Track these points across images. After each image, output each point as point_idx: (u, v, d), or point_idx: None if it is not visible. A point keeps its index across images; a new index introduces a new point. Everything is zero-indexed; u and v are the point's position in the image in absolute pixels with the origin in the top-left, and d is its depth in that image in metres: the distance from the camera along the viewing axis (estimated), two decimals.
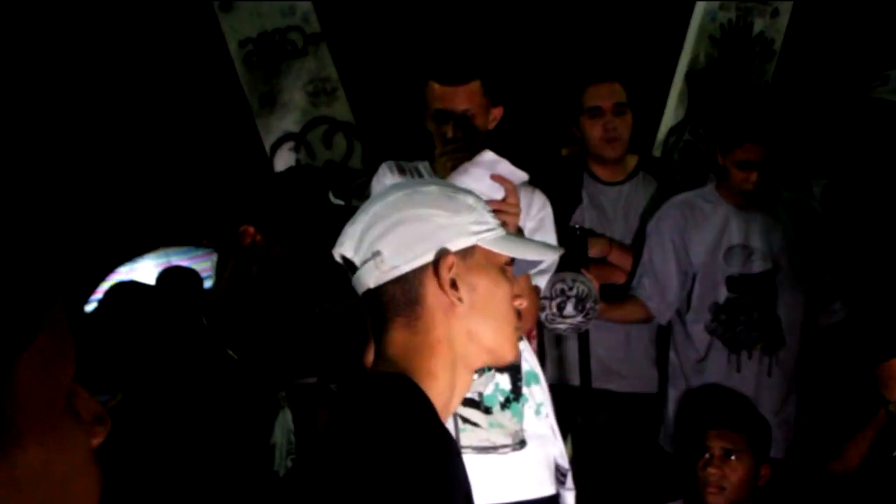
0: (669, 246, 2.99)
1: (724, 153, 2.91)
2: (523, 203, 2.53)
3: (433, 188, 1.29)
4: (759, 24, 4.13)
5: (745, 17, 4.08)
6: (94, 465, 0.62)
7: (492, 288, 1.26)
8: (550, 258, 1.36)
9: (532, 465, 2.35)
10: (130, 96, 4.36)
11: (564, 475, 2.41)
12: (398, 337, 1.24)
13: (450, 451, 1.16)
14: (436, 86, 2.46)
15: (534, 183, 2.51)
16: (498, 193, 2.24)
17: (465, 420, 2.27)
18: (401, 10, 4.12)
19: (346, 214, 1.92)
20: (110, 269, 5.45)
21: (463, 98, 2.43)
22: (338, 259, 1.32)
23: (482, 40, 3.51)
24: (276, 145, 3.89)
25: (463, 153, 2.37)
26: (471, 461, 2.21)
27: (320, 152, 3.89)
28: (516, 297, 1.31)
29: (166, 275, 3.88)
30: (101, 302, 3.13)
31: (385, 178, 2.56)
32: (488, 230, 1.28)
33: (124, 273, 5.54)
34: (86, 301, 4.02)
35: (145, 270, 4.53)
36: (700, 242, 2.98)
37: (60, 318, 0.59)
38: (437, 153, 2.46)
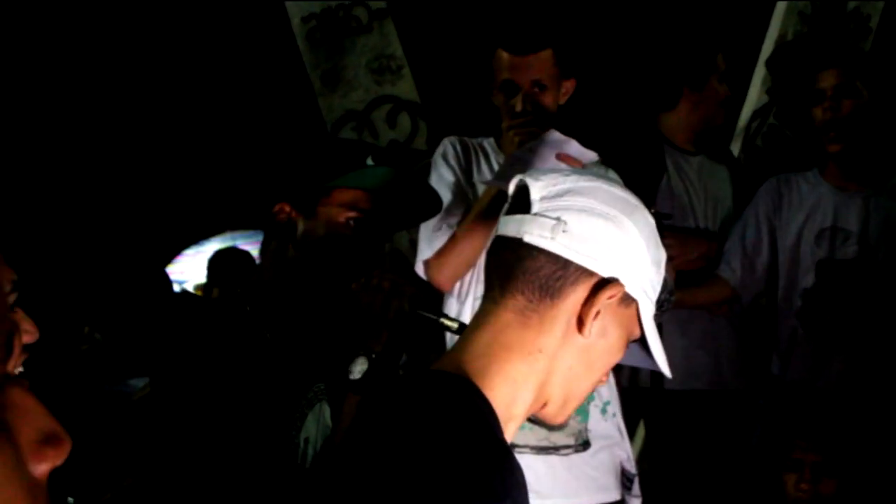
0: (765, 223, 2.82)
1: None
2: None
3: (653, 222, 1.14)
4: None
5: None
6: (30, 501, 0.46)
7: (613, 347, 1.12)
8: (668, 375, 1.19)
9: (596, 469, 2.19)
10: (195, 75, 4.33)
11: (631, 480, 2.24)
12: (503, 318, 1.08)
13: (511, 470, 0.99)
14: (504, 55, 2.31)
15: (613, 154, 2.35)
16: None
17: None
18: None
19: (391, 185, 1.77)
20: (177, 251, 5.48)
21: (534, 68, 2.28)
22: (512, 184, 1.14)
23: (555, 8, 3.33)
24: (339, 124, 3.77)
25: (532, 128, 2.23)
26: (528, 462, 2.07)
27: (384, 132, 3.76)
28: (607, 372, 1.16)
29: (218, 257, 3.82)
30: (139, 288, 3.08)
31: (448, 154, 2.44)
32: (652, 302, 1.12)
33: (191, 255, 5.58)
34: (154, 281, 4.00)
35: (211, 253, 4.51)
36: (793, 222, 2.79)
37: None
38: (504, 126, 2.31)
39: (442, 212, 2.32)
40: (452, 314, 2.41)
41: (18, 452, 0.47)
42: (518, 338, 1.07)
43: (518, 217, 1.10)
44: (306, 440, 1.67)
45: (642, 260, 1.09)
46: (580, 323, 1.07)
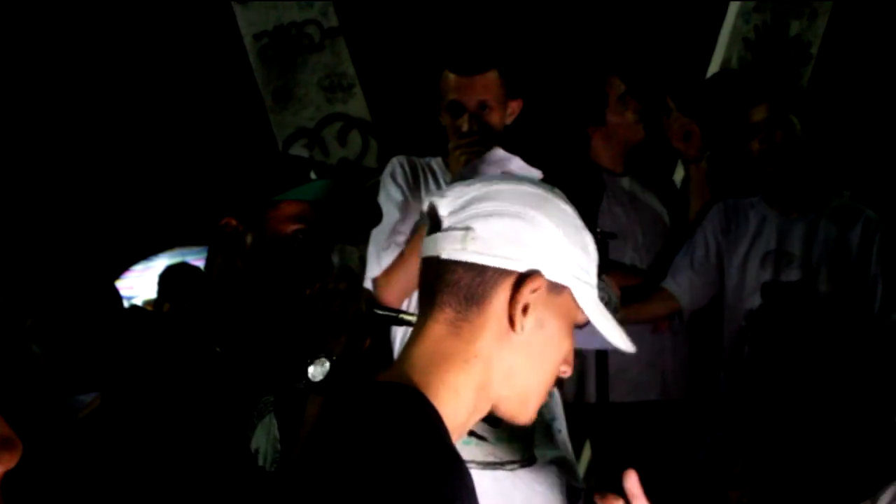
0: (713, 243, 2.92)
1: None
2: None
3: (569, 209, 1.14)
4: (795, 27, 3.97)
5: (780, 18, 3.92)
6: None
7: (556, 337, 1.11)
8: (629, 350, 1.19)
9: (542, 484, 2.21)
10: (144, 91, 4.30)
11: (577, 496, 2.27)
12: (436, 331, 1.09)
13: (461, 475, 1.01)
14: (451, 76, 2.34)
15: (556, 178, 2.38)
16: None
17: (470, 433, 2.13)
18: (420, 6, 4.01)
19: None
20: (125, 267, 5.42)
21: (479, 89, 2.32)
22: (424, 205, 1.15)
23: (501, 30, 3.39)
24: (290, 142, 3.78)
25: (478, 147, 2.25)
26: (475, 478, 2.09)
27: (334, 150, 3.77)
28: (564, 361, 1.14)
29: (169, 273, 3.79)
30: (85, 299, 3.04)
31: (396, 173, 2.46)
32: (588, 284, 1.12)
33: (139, 271, 5.50)
34: (100, 297, 3.95)
35: (160, 269, 4.46)
36: (739, 245, 2.90)
37: None
38: (450, 146, 2.34)
39: (390, 230, 2.35)
40: (400, 334, 2.42)
41: None
42: (453, 347, 1.08)
43: (432, 237, 1.12)
44: (256, 451, 1.68)
45: (562, 247, 1.10)
46: (511, 321, 1.07)
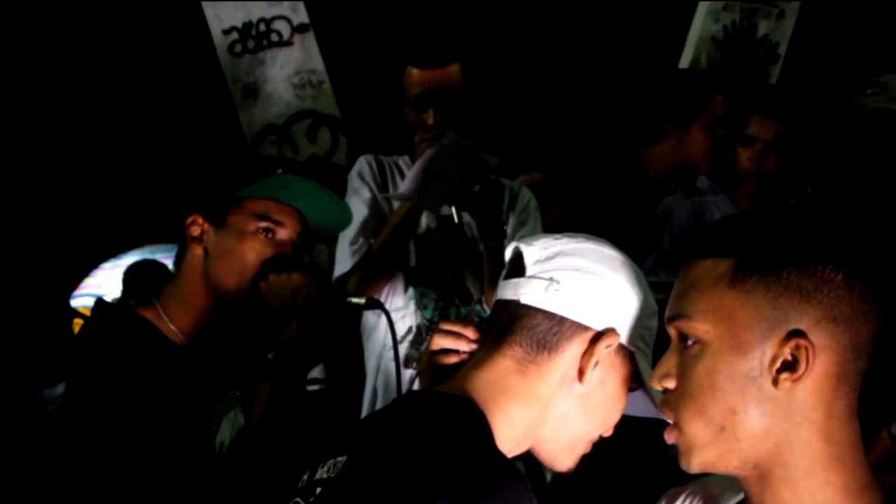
0: (679, 240, 2.88)
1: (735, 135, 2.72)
2: (507, 195, 2.42)
3: (642, 275, 1.21)
4: (763, 27, 4.00)
5: (749, 18, 3.95)
6: None
7: (614, 396, 1.18)
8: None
9: None
10: (112, 88, 4.26)
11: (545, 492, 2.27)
12: (503, 365, 1.14)
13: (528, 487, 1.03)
14: (414, 71, 2.34)
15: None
16: (464, 175, 2.15)
17: None
18: (390, 2, 3.99)
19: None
20: (94, 264, 5.36)
21: (442, 82, 2.30)
22: (509, 250, 1.21)
23: (463, 24, 3.38)
24: (259, 138, 3.75)
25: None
26: None
27: (304, 146, 3.76)
28: (611, 423, 1.21)
29: (134, 270, 3.76)
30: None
31: (364, 171, 2.45)
32: (647, 354, 1.18)
33: (108, 269, 5.45)
34: (69, 295, 3.91)
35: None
36: None
37: None
38: (416, 140, 2.33)
39: (359, 226, 2.34)
40: (368, 327, 2.43)
41: None
42: (517, 384, 1.13)
43: (514, 281, 1.16)
44: (221, 444, 1.68)
45: (634, 312, 1.15)
46: (580, 373, 1.13)
